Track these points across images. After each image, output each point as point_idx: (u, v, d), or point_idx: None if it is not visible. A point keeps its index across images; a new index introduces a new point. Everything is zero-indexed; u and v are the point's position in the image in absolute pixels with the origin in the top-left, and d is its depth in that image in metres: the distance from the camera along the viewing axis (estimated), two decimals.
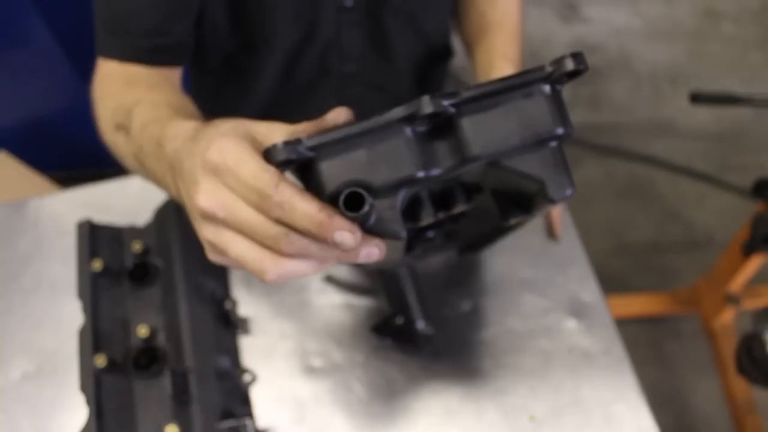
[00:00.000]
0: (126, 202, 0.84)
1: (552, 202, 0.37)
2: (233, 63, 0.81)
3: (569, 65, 0.35)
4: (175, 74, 0.69)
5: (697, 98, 1.18)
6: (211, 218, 0.37)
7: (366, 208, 0.33)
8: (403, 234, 0.37)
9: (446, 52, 0.93)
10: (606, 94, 2.08)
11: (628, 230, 1.81)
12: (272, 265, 0.36)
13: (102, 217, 0.78)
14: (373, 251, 0.37)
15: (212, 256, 0.40)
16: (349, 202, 0.34)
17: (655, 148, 1.95)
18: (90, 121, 0.66)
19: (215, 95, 0.88)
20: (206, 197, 0.37)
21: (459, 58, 0.97)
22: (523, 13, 0.82)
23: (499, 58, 0.74)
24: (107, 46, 0.66)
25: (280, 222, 0.35)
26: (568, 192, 0.37)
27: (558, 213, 0.82)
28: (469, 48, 0.84)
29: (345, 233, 0.34)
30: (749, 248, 1.27)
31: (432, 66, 0.91)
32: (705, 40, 2.21)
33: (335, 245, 0.35)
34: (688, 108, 1.25)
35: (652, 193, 1.88)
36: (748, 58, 2.18)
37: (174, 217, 0.73)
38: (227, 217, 0.36)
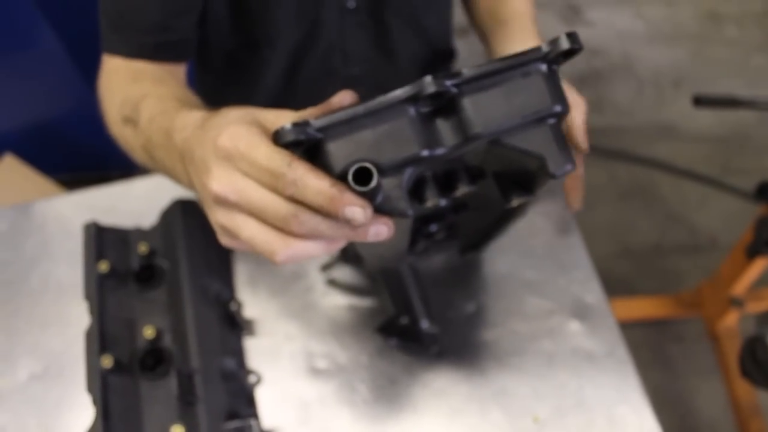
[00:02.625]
0: (131, 204, 0.84)
1: (553, 177, 0.38)
2: (236, 61, 0.81)
3: (564, 44, 0.36)
4: (179, 70, 0.70)
5: (700, 101, 1.18)
6: (223, 202, 0.38)
7: (374, 182, 0.34)
8: (410, 212, 0.38)
9: (449, 54, 0.94)
10: (609, 97, 2.09)
11: (631, 233, 1.81)
12: (282, 246, 0.37)
13: (108, 220, 0.78)
14: (381, 229, 0.37)
15: (224, 240, 0.41)
16: (357, 178, 0.35)
17: (658, 151, 1.95)
18: (96, 123, 0.67)
19: (219, 94, 0.89)
20: (219, 182, 0.38)
21: (460, 60, 0.98)
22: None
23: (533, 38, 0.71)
24: (112, 42, 0.67)
25: (293, 200, 0.36)
26: (568, 167, 0.38)
27: (575, 180, 0.66)
28: (485, 30, 0.79)
29: (356, 208, 0.35)
30: (752, 251, 1.27)
31: (435, 68, 0.91)
32: (708, 43, 2.21)
33: (346, 221, 0.35)
34: (691, 111, 1.25)
35: (655, 196, 1.88)
36: (751, 61, 2.18)
37: (180, 220, 0.74)
38: (239, 200, 0.37)
